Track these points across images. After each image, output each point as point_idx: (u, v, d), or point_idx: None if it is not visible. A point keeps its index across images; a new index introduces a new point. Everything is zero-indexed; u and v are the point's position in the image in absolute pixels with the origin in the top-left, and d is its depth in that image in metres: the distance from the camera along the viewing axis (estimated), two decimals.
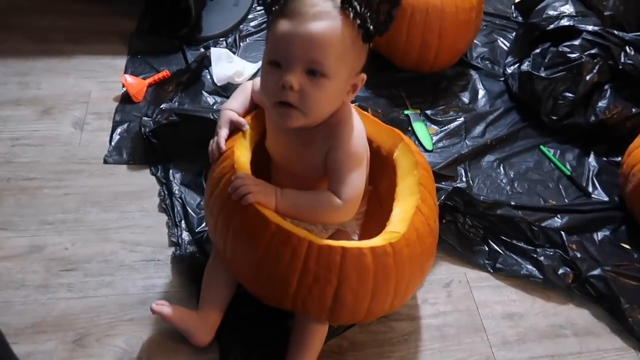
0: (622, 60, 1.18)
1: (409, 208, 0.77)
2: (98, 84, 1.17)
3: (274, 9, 0.65)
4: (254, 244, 0.71)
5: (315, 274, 0.70)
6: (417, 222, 0.76)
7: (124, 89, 1.15)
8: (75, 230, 0.94)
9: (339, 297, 0.72)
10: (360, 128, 0.77)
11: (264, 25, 1.31)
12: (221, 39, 1.30)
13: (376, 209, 0.91)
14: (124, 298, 0.87)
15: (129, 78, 1.15)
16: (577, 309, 0.97)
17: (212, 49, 1.23)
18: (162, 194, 1.00)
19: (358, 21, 0.64)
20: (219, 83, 1.18)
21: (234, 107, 0.83)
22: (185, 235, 0.95)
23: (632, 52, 1.18)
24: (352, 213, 0.78)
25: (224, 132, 0.80)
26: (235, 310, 0.84)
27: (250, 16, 1.39)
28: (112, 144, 1.07)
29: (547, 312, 0.96)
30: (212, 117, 1.02)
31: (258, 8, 1.41)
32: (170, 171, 1.03)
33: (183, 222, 0.97)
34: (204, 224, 0.96)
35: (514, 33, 1.45)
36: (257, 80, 0.83)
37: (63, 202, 0.97)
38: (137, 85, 1.14)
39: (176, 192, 1.00)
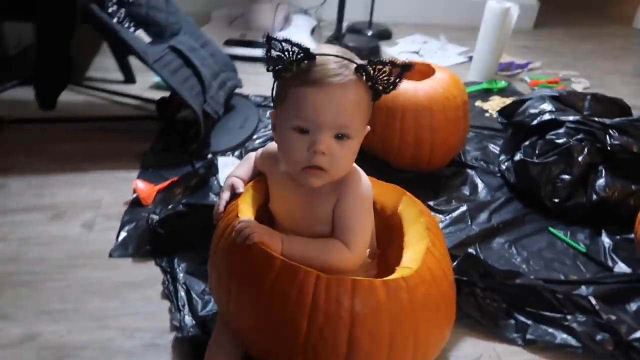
0: (609, 142, 1.24)
1: (420, 250, 0.75)
2: (110, 192, 1.22)
3: (284, 75, 0.68)
4: (259, 284, 0.67)
5: (325, 311, 0.65)
6: (429, 262, 0.73)
7: (135, 195, 1.19)
8: (73, 319, 0.89)
9: (354, 339, 0.65)
10: (364, 174, 0.79)
11: (268, 142, 1.40)
12: (228, 153, 1.39)
13: (385, 275, 0.87)
14: None
15: (140, 183, 1.20)
16: None
17: (219, 157, 1.30)
18: (166, 281, 0.97)
19: (369, 83, 0.69)
20: None
21: (238, 174, 0.86)
22: (188, 320, 0.89)
23: (617, 134, 1.24)
24: (360, 261, 0.76)
25: (225, 195, 0.82)
26: None
27: (254, 136, 1.50)
28: (119, 240, 1.07)
29: None
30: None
31: (262, 129, 1.53)
32: (175, 260, 1.01)
33: (186, 306, 0.92)
34: (208, 307, 0.91)
35: (502, 139, 1.55)
36: (260, 150, 0.88)
37: (63, 293, 0.94)
38: (147, 189, 1.19)
39: (180, 278, 0.97)
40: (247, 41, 2.17)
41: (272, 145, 0.82)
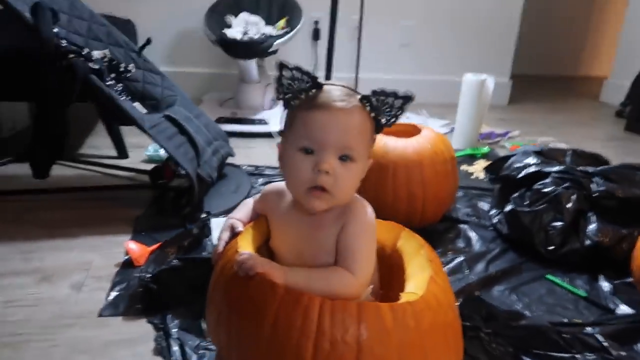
0: (595, 189, 1.27)
1: (423, 279, 0.74)
2: (101, 255, 1.19)
3: (292, 102, 0.72)
4: (262, 315, 0.65)
5: (331, 338, 0.63)
6: (434, 289, 0.72)
7: (127, 256, 1.16)
8: None
9: None
10: (367, 204, 0.79)
11: None
12: (221, 215, 1.39)
13: None
14: None
15: (132, 244, 1.18)
16: None
17: (212, 219, 1.30)
18: (159, 338, 0.93)
19: (373, 114, 0.73)
20: None
21: (236, 217, 0.86)
22: None
23: (601, 181, 1.28)
24: (364, 287, 0.74)
25: (225, 235, 0.81)
26: None
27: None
28: (109, 299, 1.03)
29: None
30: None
31: (255, 194, 1.54)
32: (168, 317, 0.97)
33: None
34: None
35: (491, 197, 1.58)
36: (258, 194, 0.89)
37: (48, 353, 0.89)
38: (139, 250, 1.17)
39: (173, 334, 0.93)
40: (237, 118, 2.25)
41: (273, 185, 0.84)
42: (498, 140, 2.31)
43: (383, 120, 0.74)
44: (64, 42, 1.32)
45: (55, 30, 1.31)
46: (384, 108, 0.73)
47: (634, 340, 0.97)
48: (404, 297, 0.70)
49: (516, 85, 3.22)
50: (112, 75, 1.51)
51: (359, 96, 0.72)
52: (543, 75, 4.35)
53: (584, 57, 4.67)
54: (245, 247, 0.76)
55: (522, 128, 2.54)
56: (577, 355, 0.91)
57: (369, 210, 0.78)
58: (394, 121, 0.75)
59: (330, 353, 0.62)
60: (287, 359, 0.63)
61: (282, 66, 0.72)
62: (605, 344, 0.92)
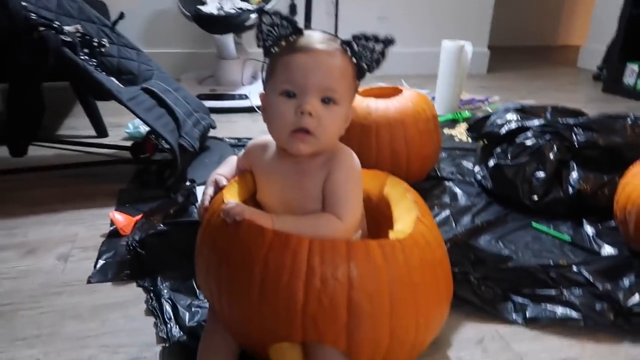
0: (576, 139, 1.29)
1: (410, 220, 0.74)
2: (86, 227, 1.18)
3: (273, 50, 0.72)
4: (251, 260, 0.65)
5: (322, 275, 0.63)
6: (421, 228, 0.72)
7: (113, 227, 1.15)
8: (50, 343, 0.82)
9: (353, 303, 0.63)
10: (351, 152, 0.79)
11: None
12: None
13: None
14: None
15: (117, 214, 1.17)
16: (635, 346, 0.85)
17: (198, 187, 1.29)
18: (150, 299, 0.92)
19: (354, 59, 0.72)
20: None
21: (220, 172, 0.85)
22: (176, 331, 0.84)
23: (582, 132, 1.30)
24: (352, 233, 0.74)
25: (210, 190, 0.81)
26: None
27: None
28: (97, 267, 1.02)
29: (602, 354, 0.83)
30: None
31: None
32: (159, 279, 0.97)
33: (173, 319, 0.87)
34: (197, 317, 0.86)
35: (474, 156, 1.59)
36: (241, 151, 0.88)
37: (38, 320, 0.87)
38: (125, 220, 1.16)
39: (165, 294, 0.93)
40: (217, 94, 2.22)
41: (256, 139, 0.83)
42: (479, 106, 2.32)
43: (365, 65, 0.73)
44: (33, 16, 1.28)
45: (24, 4, 1.27)
46: (365, 53, 0.72)
47: (619, 276, 0.99)
48: (393, 235, 0.70)
49: (494, 56, 3.24)
50: (86, 50, 1.47)
51: (339, 41, 0.72)
52: (521, 46, 4.37)
53: (561, 27, 4.71)
54: (231, 199, 0.76)
55: (502, 94, 2.56)
56: (565, 291, 0.93)
57: (354, 157, 0.77)
58: (376, 66, 0.74)
59: (321, 290, 0.63)
60: (280, 300, 0.63)
61: (261, 12, 0.71)
62: (592, 278, 0.94)
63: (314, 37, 0.71)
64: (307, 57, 0.69)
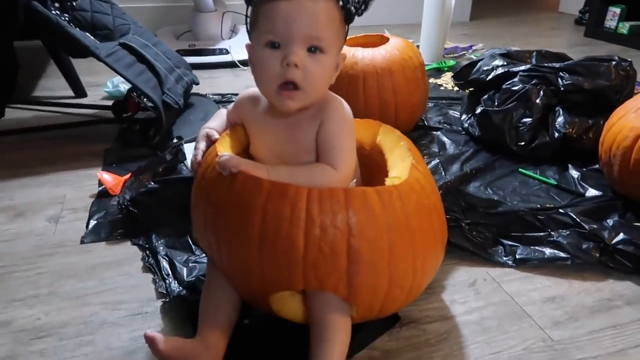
0: (562, 83, 1.29)
1: (405, 166, 0.75)
2: (73, 189, 1.16)
3: None
4: (249, 211, 0.65)
5: (321, 223, 0.63)
6: (416, 174, 0.73)
7: (101, 187, 1.14)
8: (49, 302, 0.82)
9: (353, 249, 0.64)
10: (342, 101, 0.78)
11: None
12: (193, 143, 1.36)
13: None
14: (107, 353, 0.73)
15: (105, 175, 1.15)
16: (618, 282, 0.88)
17: (185, 144, 1.27)
18: (146, 257, 0.93)
19: (341, 2, 0.68)
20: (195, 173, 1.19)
21: (211, 126, 0.84)
22: (175, 286, 0.85)
23: (567, 75, 1.30)
24: (347, 182, 0.74)
25: (202, 145, 0.80)
26: (243, 335, 0.72)
27: None
28: (89, 228, 1.01)
29: (588, 290, 0.86)
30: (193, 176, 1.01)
31: None
32: (153, 236, 0.97)
33: (171, 275, 0.87)
34: (194, 272, 0.87)
35: (460, 105, 1.59)
36: (232, 104, 0.86)
37: (35, 281, 0.87)
38: (113, 180, 1.14)
39: (161, 251, 0.93)
40: (197, 50, 2.16)
41: (246, 91, 0.81)
42: (463, 54, 2.30)
43: (352, 8, 0.70)
44: None
45: None
46: None
47: (603, 217, 1.02)
48: (389, 182, 0.70)
49: (476, 3, 3.19)
50: (57, 5, 1.41)
51: None
52: None
53: None
54: (225, 152, 0.75)
55: (486, 41, 2.54)
56: (553, 233, 0.95)
57: (346, 106, 0.76)
58: (364, 9, 0.71)
59: (321, 238, 0.63)
60: (280, 249, 0.64)
61: None
62: (578, 219, 0.96)
63: None
64: (290, 4, 0.65)
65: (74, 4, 1.45)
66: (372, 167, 0.87)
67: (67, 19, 1.41)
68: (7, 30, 1.22)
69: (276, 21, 0.66)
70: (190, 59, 2.01)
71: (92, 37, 1.40)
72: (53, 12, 1.32)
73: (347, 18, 0.71)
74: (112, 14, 1.55)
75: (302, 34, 0.66)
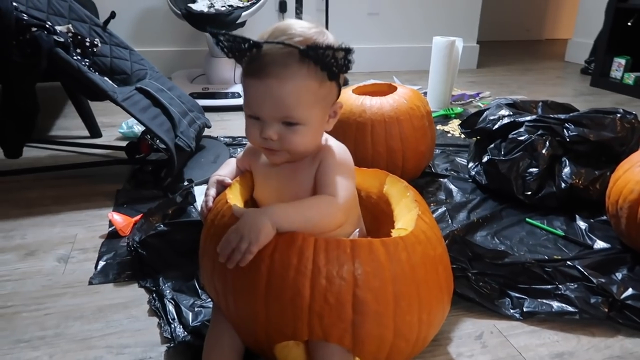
0: (567, 134, 1.31)
1: (411, 217, 0.76)
2: (84, 229, 1.18)
3: (242, 61, 0.69)
4: (257, 261, 0.66)
5: (327, 274, 0.64)
6: (422, 226, 0.74)
7: (112, 228, 1.15)
8: (55, 344, 0.83)
9: (358, 300, 0.64)
10: (343, 146, 0.79)
11: None
12: (204, 185, 1.38)
13: None
14: None
15: (116, 215, 1.17)
16: (628, 338, 0.87)
17: (195, 187, 1.29)
18: (152, 300, 0.93)
19: (319, 66, 0.67)
20: None
21: (221, 174, 0.86)
22: (180, 331, 0.85)
23: (573, 127, 1.32)
24: (347, 215, 0.76)
25: (212, 192, 0.82)
26: None
27: None
28: (98, 269, 1.02)
29: (597, 347, 0.85)
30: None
31: None
32: (160, 279, 0.97)
33: (176, 319, 0.88)
34: (200, 317, 0.87)
35: (467, 152, 1.61)
36: (240, 152, 0.89)
37: (42, 322, 0.88)
38: (123, 221, 1.16)
39: (167, 294, 0.93)
40: (210, 93, 2.22)
41: None
42: (470, 101, 2.35)
43: (334, 69, 0.67)
44: (24, 16, 1.27)
45: (15, 4, 1.26)
46: (327, 60, 0.66)
47: (612, 270, 1.02)
48: (395, 233, 0.71)
49: (484, 50, 3.27)
50: (78, 50, 1.47)
51: (297, 56, 0.65)
52: (509, 41, 4.41)
53: (547, 21, 4.75)
54: (234, 199, 0.77)
55: (493, 89, 2.58)
56: (561, 285, 0.95)
57: (345, 151, 0.79)
58: (346, 69, 0.68)
59: (327, 289, 0.64)
60: (286, 298, 0.65)
61: (213, 34, 0.67)
62: (586, 272, 0.96)
63: (270, 59, 0.66)
64: (259, 85, 0.67)
65: (95, 49, 1.51)
66: (379, 216, 0.89)
67: (87, 63, 1.46)
68: (30, 75, 1.27)
69: (250, 99, 0.69)
70: (203, 102, 2.07)
71: (110, 82, 1.45)
72: (74, 57, 1.38)
73: (331, 76, 0.69)
74: (130, 59, 1.61)
75: (271, 115, 0.69)
